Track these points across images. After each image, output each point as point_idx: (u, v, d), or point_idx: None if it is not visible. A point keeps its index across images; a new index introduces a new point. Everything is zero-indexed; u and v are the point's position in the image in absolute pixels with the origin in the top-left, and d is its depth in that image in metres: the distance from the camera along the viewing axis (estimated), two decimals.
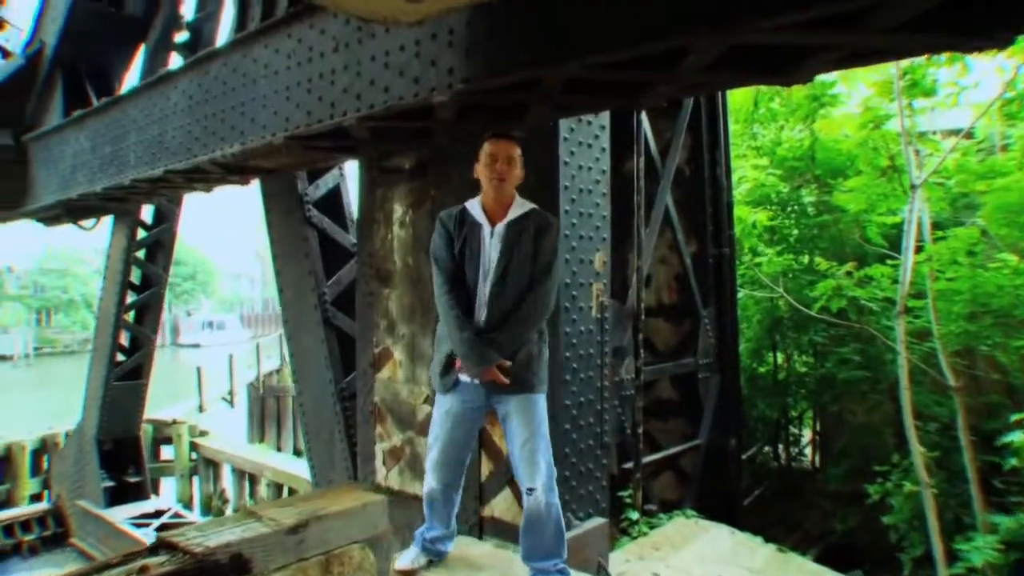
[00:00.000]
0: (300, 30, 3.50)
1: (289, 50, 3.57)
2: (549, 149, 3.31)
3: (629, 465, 3.70)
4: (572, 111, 3.02)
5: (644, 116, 3.96)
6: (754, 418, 6.35)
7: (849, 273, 5.03)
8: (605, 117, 3.53)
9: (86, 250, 42.95)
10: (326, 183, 5.09)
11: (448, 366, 2.70)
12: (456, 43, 2.74)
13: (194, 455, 12.71)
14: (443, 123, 3.15)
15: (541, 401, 2.68)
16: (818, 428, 6.63)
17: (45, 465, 10.46)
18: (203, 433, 12.75)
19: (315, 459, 4.93)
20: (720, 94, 4.82)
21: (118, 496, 7.58)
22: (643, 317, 3.58)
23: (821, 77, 5.97)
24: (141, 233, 7.27)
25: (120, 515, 7.07)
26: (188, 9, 6.46)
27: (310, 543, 2.53)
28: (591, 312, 3.45)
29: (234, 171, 4.42)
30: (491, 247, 2.72)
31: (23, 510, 8.60)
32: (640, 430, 3.61)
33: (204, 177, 4.68)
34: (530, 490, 2.60)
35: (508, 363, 2.60)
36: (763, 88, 6.29)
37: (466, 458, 2.81)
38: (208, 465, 12.54)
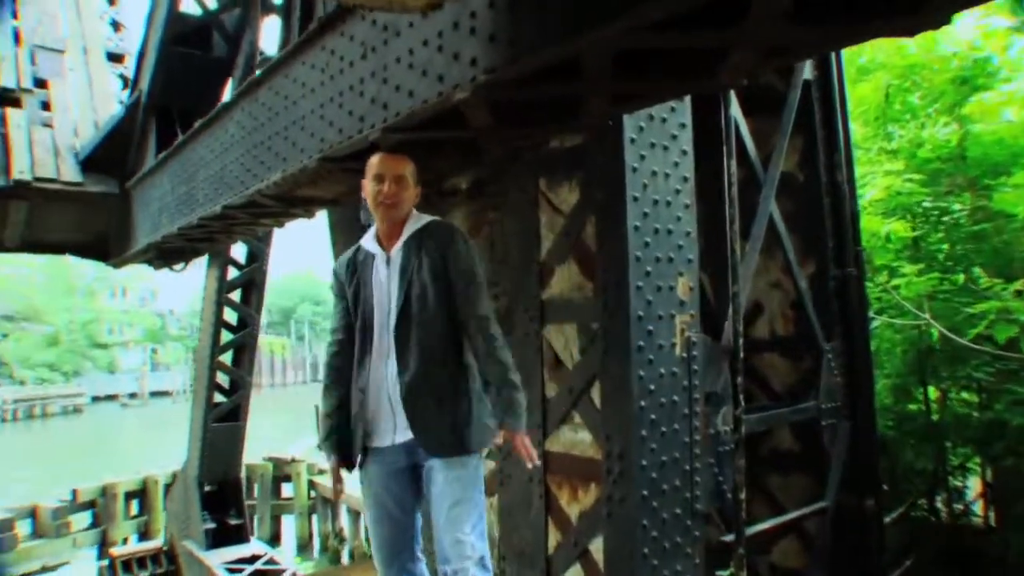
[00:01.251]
0: (333, 40, 3.14)
1: (323, 63, 3.22)
2: (613, 154, 2.72)
3: (730, 537, 2.98)
4: (633, 102, 2.42)
5: (737, 112, 3.29)
6: (901, 469, 5.32)
7: (1020, 292, 4.06)
8: (685, 112, 2.91)
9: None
10: None
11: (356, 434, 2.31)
12: (479, 28, 2.23)
13: (313, 493, 12.77)
14: (480, 130, 2.66)
15: (474, 460, 2.26)
16: (989, 479, 5.47)
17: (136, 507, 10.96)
18: (322, 471, 12.78)
19: None
20: (838, 88, 4.04)
21: (219, 538, 7.52)
22: (741, 355, 2.89)
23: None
24: (233, 272, 7.29)
25: (217, 559, 6.98)
26: (270, 43, 6.42)
27: None
28: (674, 350, 2.81)
29: (287, 202, 4.13)
30: (390, 278, 2.32)
31: (140, 547, 8.79)
32: (742, 494, 2.90)
33: (263, 211, 4.43)
34: (455, 573, 2.10)
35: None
36: (896, 79, 5.39)
37: (410, 539, 2.37)
38: (326, 504, 12.55)
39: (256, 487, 12.33)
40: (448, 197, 3.67)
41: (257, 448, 12.68)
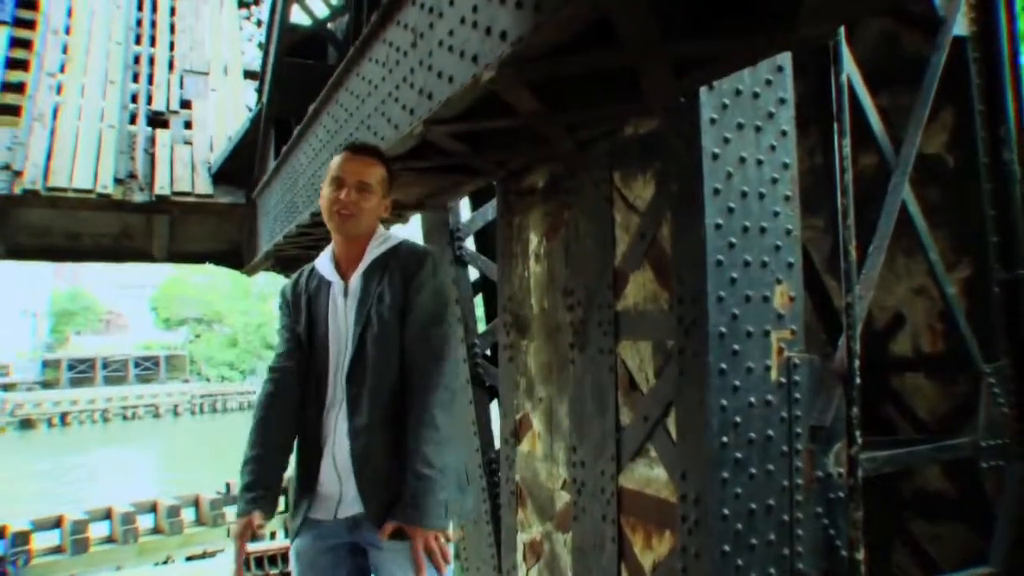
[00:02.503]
0: (391, 31, 2.92)
1: (383, 57, 3.01)
2: (688, 139, 2.27)
3: None
4: (703, 71, 1.97)
5: (856, 80, 2.70)
6: None
7: None
8: (785, 85, 2.40)
9: None
10: (484, 214, 4.45)
11: (296, 499, 1.89)
12: None
13: None
14: (530, 116, 2.31)
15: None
16: None
17: (282, 504, 11.38)
18: None
19: (464, 540, 4.22)
20: (1007, 44, 3.27)
21: None
22: (857, 380, 2.31)
23: None
24: None
25: None
26: None
27: None
28: (769, 374, 2.30)
29: None
30: (346, 314, 1.91)
31: (271, 544, 9.15)
32: (860, 553, 2.32)
33: None
34: None
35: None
36: None
37: None
38: None
39: None
40: (526, 197, 3.34)
41: None
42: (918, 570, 3.32)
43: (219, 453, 26.25)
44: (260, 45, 11.09)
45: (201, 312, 51.60)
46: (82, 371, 43.02)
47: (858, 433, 2.33)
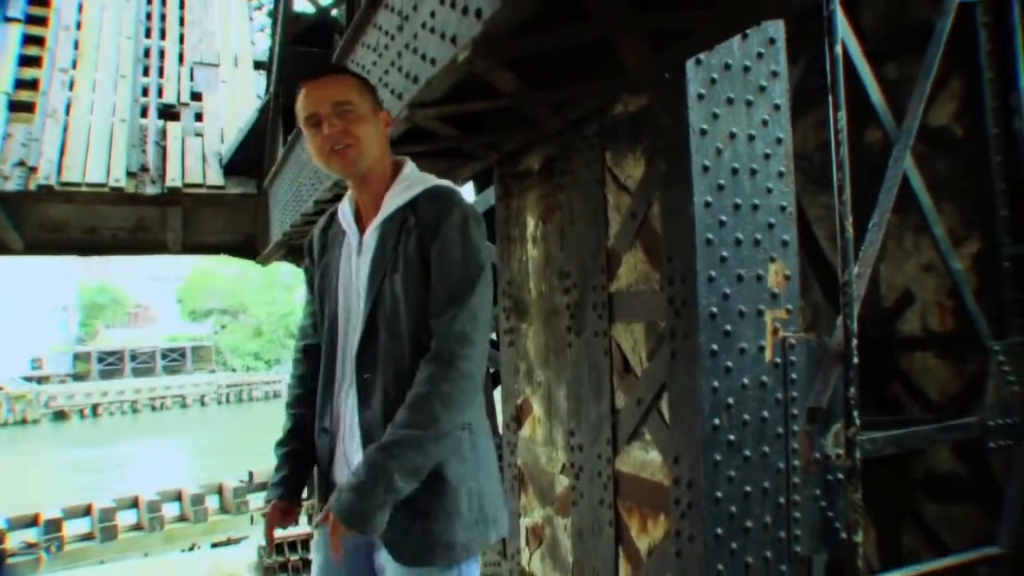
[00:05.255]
0: (381, 15, 2.89)
1: (374, 42, 2.98)
2: (675, 115, 2.22)
3: None
4: (685, 44, 1.92)
5: (853, 49, 2.62)
6: None
7: None
8: (778, 57, 2.33)
9: None
10: (487, 199, 4.41)
11: (323, 485, 1.66)
12: None
13: None
14: (512, 96, 2.27)
15: (455, 572, 1.51)
16: None
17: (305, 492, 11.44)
18: None
19: None
20: (1019, 9, 3.15)
21: None
22: (855, 360, 2.25)
23: None
24: None
25: None
26: None
27: None
28: (763, 355, 2.26)
29: None
30: (358, 275, 1.59)
31: (294, 531, 9.26)
32: (858, 536, 2.27)
33: None
34: None
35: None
36: None
37: None
38: None
39: None
40: (522, 179, 3.31)
41: None
42: (929, 553, 3.25)
43: (246, 442, 26.66)
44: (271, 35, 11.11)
45: (227, 303, 52.20)
46: (111, 363, 43.80)
47: (856, 414, 2.27)
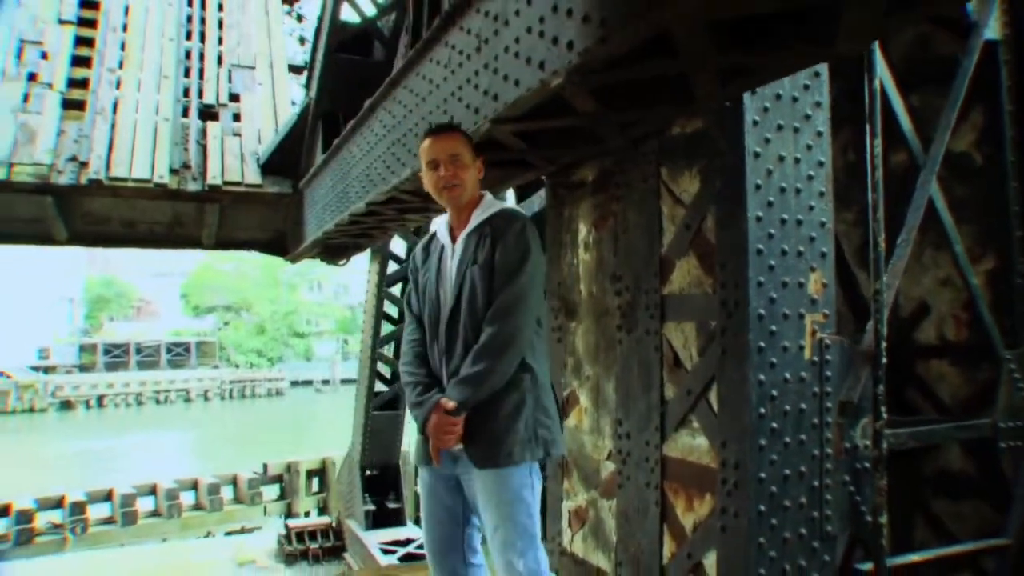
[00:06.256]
0: (454, 35, 3.17)
1: (446, 59, 3.26)
2: (732, 139, 2.51)
3: (867, 566, 2.64)
4: (747, 79, 2.21)
5: (888, 83, 2.91)
6: None
7: None
8: (822, 90, 2.62)
9: None
10: (530, 205, 4.71)
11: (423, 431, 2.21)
12: (575, 9, 2.13)
13: None
14: (588, 116, 2.55)
15: (513, 477, 2.13)
16: None
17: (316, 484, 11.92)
18: None
19: None
20: None
21: (379, 519, 7.96)
22: (883, 360, 2.54)
23: None
24: (393, 267, 7.66)
25: (374, 539, 7.38)
26: None
27: None
28: (803, 353, 2.54)
29: (425, 197, 4.23)
30: (450, 271, 2.26)
31: (312, 521, 9.53)
32: (883, 518, 2.55)
33: (405, 206, 4.61)
34: None
35: (452, 410, 2.09)
36: None
37: (460, 544, 2.31)
38: None
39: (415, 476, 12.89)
40: (576, 189, 3.59)
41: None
42: (938, 545, 3.53)
43: (250, 437, 26.92)
44: (300, 40, 11.41)
45: (230, 300, 52.47)
46: (117, 356, 44.11)
47: (883, 409, 2.55)
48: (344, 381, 48.92)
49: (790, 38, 1.94)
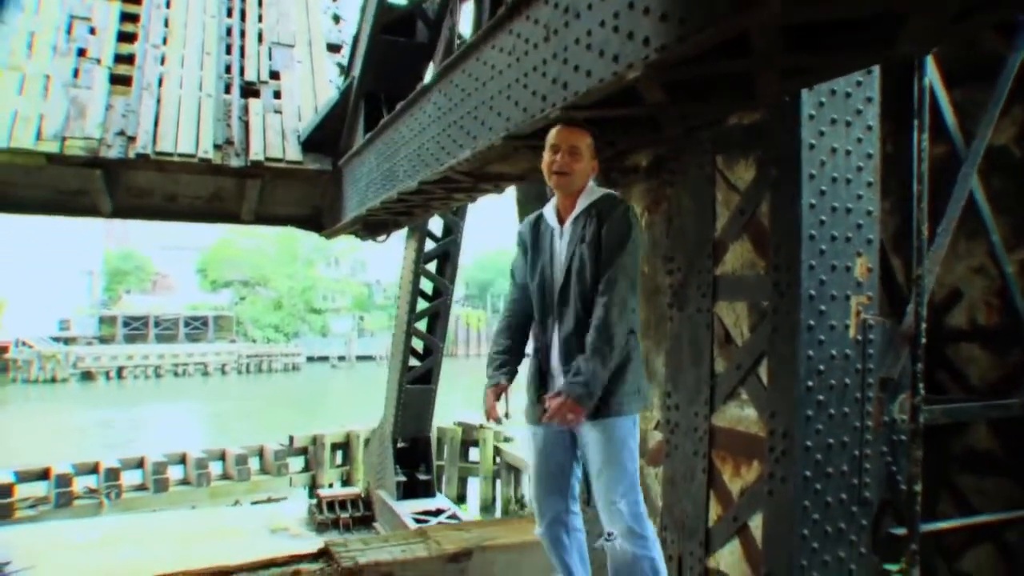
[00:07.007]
0: (519, 24, 3.33)
1: (510, 46, 3.43)
2: (789, 131, 2.68)
3: (901, 530, 2.85)
4: (805, 77, 2.38)
5: (935, 80, 3.06)
6: None
7: None
8: (872, 86, 2.78)
9: None
10: None
11: (534, 393, 2.52)
12: (652, 8, 2.30)
13: (497, 459, 13.37)
14: (655, 107, 2.73)
15: (621, 425, 2.40)
16: None
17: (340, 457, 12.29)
18: (507, 439, 13.34)
19: None
20: None
21: (409, 490, 8.24)
22: (923, 341, 2.72)
23: None
24: (430, 245, 7.87)
25: (406, 509, 7.66)
26: (468, 28, 6.79)
27: (472, 574, 2.32)
28: (848, 332, 2.73)
29: (478, 178, 4.44)
30: (560, 252, 2.51)
31: (343, 491, 9.83)
32: (918, 486, 2.75)
33: (456, 187, 4.79)
34: (609, 535, 2.31)
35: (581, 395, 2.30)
36: None
37: (565, 493, 2.60)
38: (509, 470, 13.04)
39: (445, 449, 13.14)
40: (629, 174, 3.77)
41: (448, 413, 13.53)
42: (960, 517, 3.72)
43: (268, 411, 27.39)
44: (335, 18, 11.57)
45: (247, 275, 52.95)
46: (136, 328, 44.78)
47: (921, 386, 2.74)
48: (360, 358, 49.45)
49: (852, 39, 2.11)
